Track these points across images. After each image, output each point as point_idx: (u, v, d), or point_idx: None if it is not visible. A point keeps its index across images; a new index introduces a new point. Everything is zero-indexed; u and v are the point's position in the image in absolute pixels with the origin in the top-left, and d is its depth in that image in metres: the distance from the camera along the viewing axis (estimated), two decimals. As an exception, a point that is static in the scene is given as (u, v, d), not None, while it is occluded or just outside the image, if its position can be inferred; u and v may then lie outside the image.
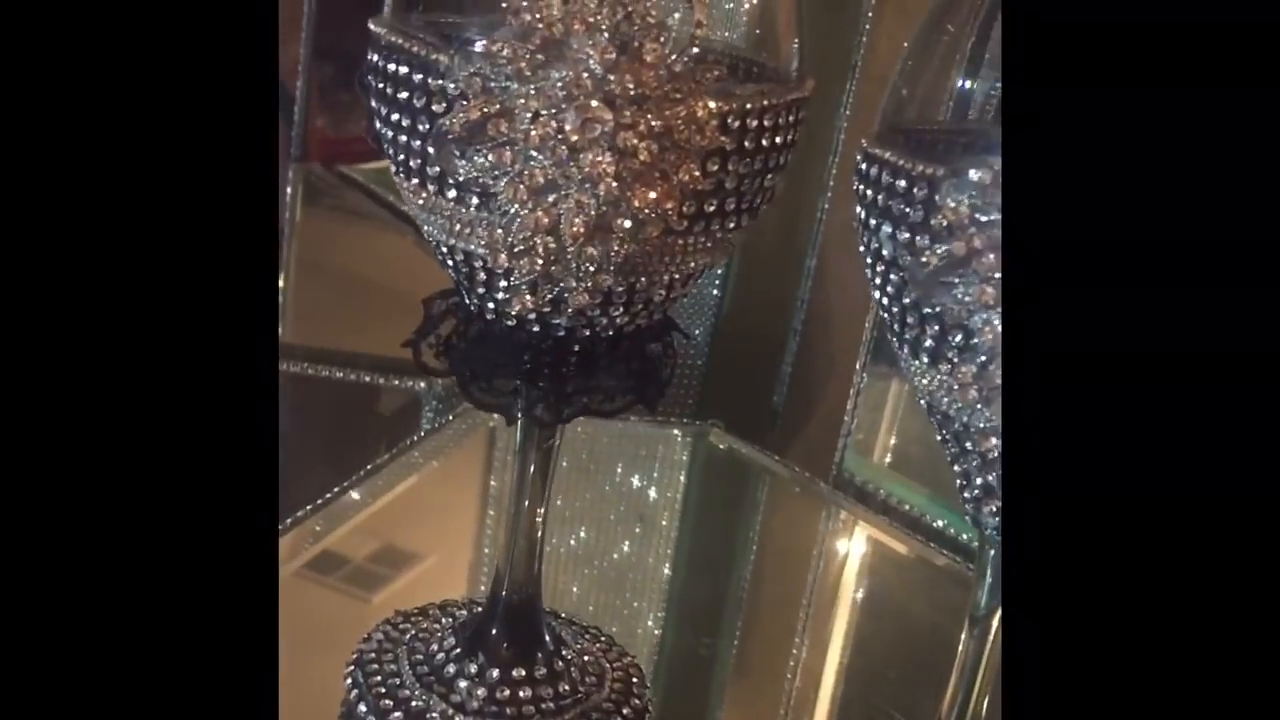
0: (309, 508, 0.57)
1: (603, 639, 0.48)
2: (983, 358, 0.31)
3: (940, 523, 0.65)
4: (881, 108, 0.35)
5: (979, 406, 0.31)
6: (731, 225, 0.37)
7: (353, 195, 0.85)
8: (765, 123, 0.36)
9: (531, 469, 0.43)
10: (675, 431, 0.74)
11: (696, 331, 0.79)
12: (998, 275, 0.29)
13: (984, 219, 0.29)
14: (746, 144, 0.35)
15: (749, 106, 0.35)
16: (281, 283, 0.79)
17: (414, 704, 0.42)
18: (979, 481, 0.36)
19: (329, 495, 0.58)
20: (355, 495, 0.59)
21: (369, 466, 0.61)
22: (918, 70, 0.34)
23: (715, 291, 0.79)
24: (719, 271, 0.78)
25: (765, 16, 0.39)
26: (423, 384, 0.72)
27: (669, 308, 0.40)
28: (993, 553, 0.38)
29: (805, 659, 0.57)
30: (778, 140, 0.36)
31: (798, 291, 0.76)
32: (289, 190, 0.83)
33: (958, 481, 0.37)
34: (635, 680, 0.46)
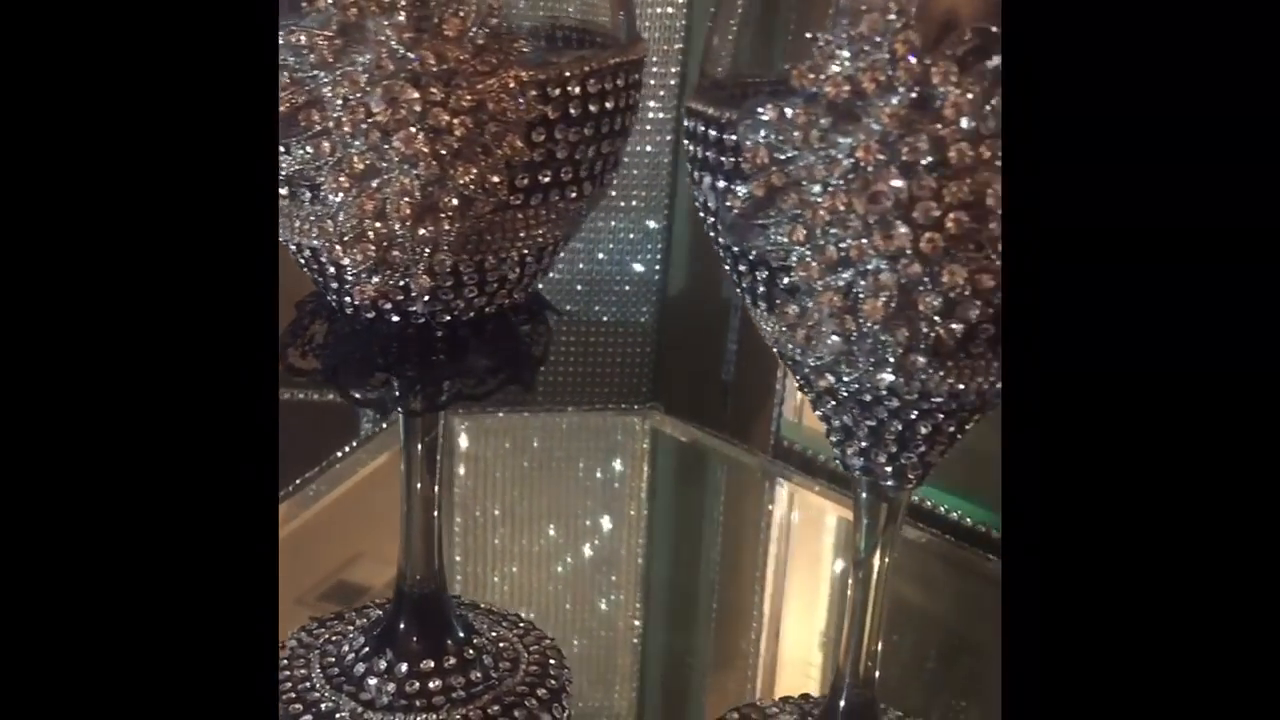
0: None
1: (521, 624, 0.48)
2: (806, 298, 0.30)
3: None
4: (700, 64, 0.35)
5: (810, 346, 0.31)
6: (573, 195, 0.37)
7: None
8: (590, 89, 0.36)
9: (419, 460, 0.43)
10: (633, 419, 0.74)
11: (642, 317, 0.80)
12: (804, 212, 0.29)
13: (782, 156, 0.29)
14: (572, 111, 0.35)
15: (568, 74, 0.35)
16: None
17: (323, 705, 0.42)
18: (835, 424, 0.36)
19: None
20: (282, 508, 0.59)
21: (297, 480, 0.61)
22: (723, 24, 0.34)
23: (656, 276, 0.79)
24: (659, 255, 0.78)
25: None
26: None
27: (532, 285, 0.40)
28: (864, 495, 0.37)
29: (766, 629, 0.57)
30: (608, 105, 0.36)
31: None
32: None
33: (823, 426, 0.37)
34: (553, 662, 0.46)
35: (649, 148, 0.76)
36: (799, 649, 0.56)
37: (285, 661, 0.45)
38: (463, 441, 0.71)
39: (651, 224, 0.78)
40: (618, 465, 0.73)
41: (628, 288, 0.80)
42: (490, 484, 0.70)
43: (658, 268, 0.79)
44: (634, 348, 0.80)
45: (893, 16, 0.27)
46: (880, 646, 0.40)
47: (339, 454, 0.65)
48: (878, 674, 0.40)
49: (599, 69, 0.36)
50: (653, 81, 0.73)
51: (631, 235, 0.78)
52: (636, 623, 0.58)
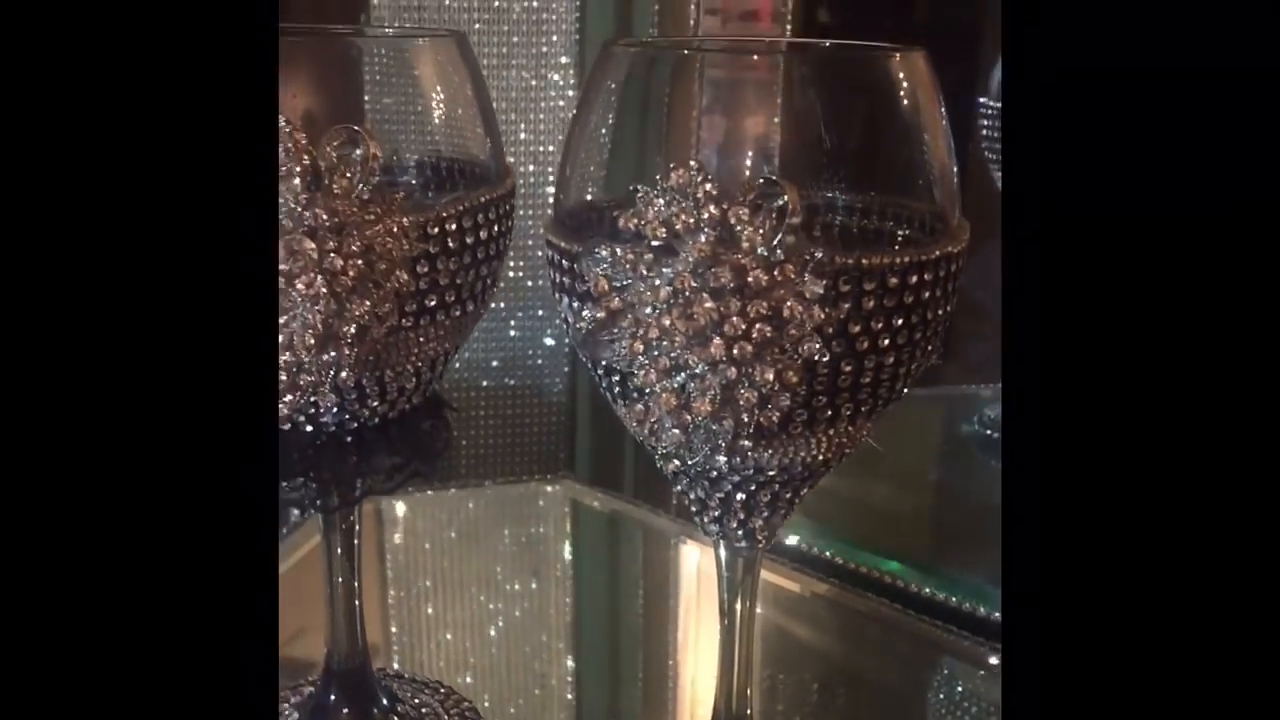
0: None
1: (442, 690, 0.53)
2: (648, 399, 0.36)
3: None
4: (554, 196, 0.41)
5: (655, 438, 0.37)
6: (458, 313, 0.43)
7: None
8: (465, 224, 0.42)
9: (338, 550, 0.48)
10: (548, 488, 0.80)
11: (556, 389, 0.86)
12: (639, 330, 0.35)
13: (618, 285, 0.35)
14: (450, 244, 0.41)
15: (444, 214, 0.41)
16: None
17: (264, 775, 0.47)
18: (691, 497, 0.42)
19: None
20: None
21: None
22: (572, 159, 0.40)
23: (565, 349, 0.85)
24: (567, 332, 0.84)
25: (455, 126, 0.45)
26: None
27: (428, 390, 0.46)
28: (724, 554, 0.43)
29: (684, 674, 0.63)
30: (482, 236, 0.42)
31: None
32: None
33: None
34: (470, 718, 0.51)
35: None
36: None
37: (229, 738, 0.50)
38: (399, 509, 0.76)
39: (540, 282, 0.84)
40: (540, 531, 0.78)
41: (540, 361, 0.85)
42: (421, 556, 0.75)
43: (566, 341, 0.85)
44: (548, 417, 0.85)
45: (696, 173, 0.34)
46: (750, 685, 0.46)
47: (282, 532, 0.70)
48: (750, 710, 0.46)
49: (472, 206, 0.42)
50: (550, 168, 0.80)
51: (540, 311, 0.84)
52: (569, 679, 0.63)
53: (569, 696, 0.61)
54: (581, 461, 0.84)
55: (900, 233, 0.40)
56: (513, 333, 0.85)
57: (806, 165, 0.39)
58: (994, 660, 0.59)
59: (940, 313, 0.38)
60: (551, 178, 0.80)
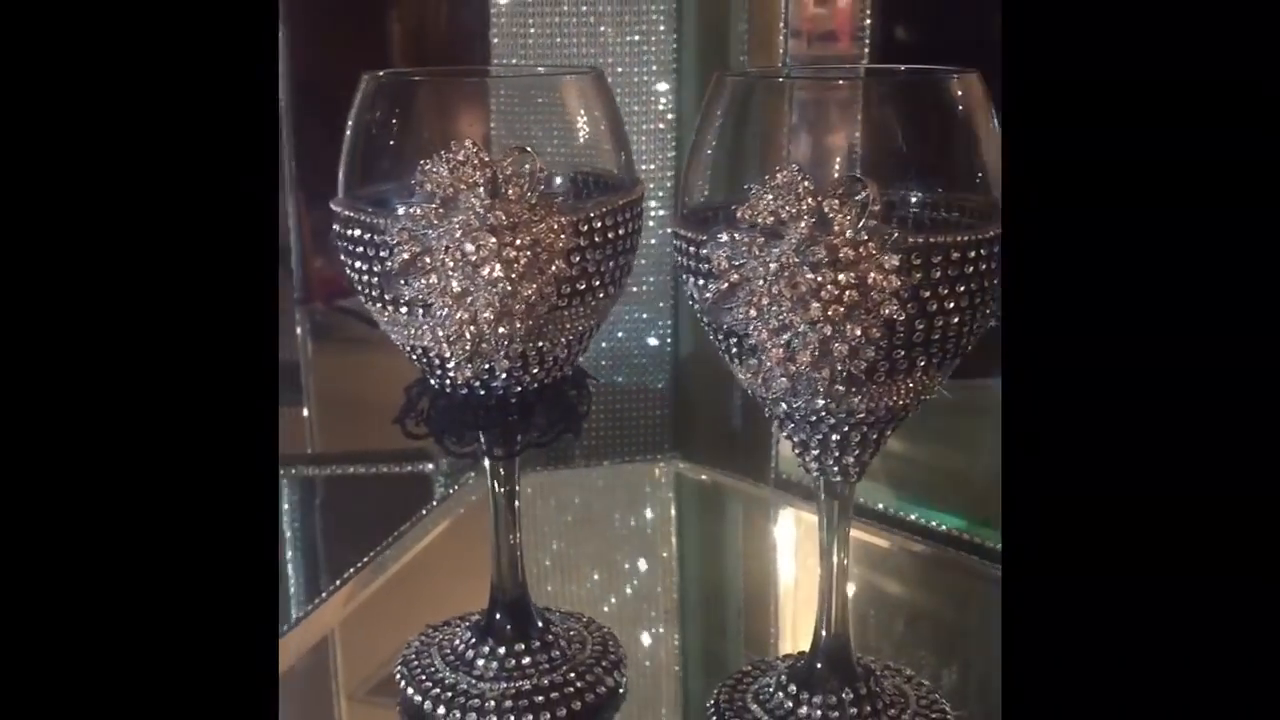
0: (354, 568, 0.72)
1: (584, 618, 0.63)
2: (760, 355, 0.46)
3: (862, 499, 0.80)
4: (680, 196, 0.51)
5: (766, 386, 0.47)
6: (601, 296, 0.53)
7: (352, 324, 1.02)
8: (608, 222, 0.52)
9: (501, 494, 0.58)
10: (657, 468, 0.90)
11: (659, 383, 0.96)
12: (753, 298, 0.45)
13: (736, 264, 0.45)
14: (596, 239, 0.51)
15: (592, 215, 0.51)
16: (305, 411, 0.95)
17: (446, 680, 0.58)
18: (795, 440, 0.51)
19: (369, 557, 0.74)
20: (389, 553, 0.75)
21: (394, 534, 0.77)
22: (695, 167, 0.50)
23: (669, 347, 0.95)
24: (669, 330, 0.95)
25: (595, 145, 0.55)
26: (430, 465, 0.89)
27: (575, 361, 0.56)
28: (823, 498, 0.53)
29: (785, 619, 0.72)
30: (620, 233, 0.53)
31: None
32: (298, 329, 0.99)
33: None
34: (611, 642, 0.61)
35: (653, 241, 0.93)
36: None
37: (413, 655, 0.60)
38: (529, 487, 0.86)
39: (661, 304, 0.94)
40: (648, 509, 0.88)
41: (644, 360, 0.95)
42: (551, 518, 0.85)
43: (669, 340, 0.95)
44: (653, 410, 0.95)
45: (796, 172, 0.44)
46: (846, 612, 0.55)
47: (424, 511, 0.81)
48: (846, 632, 0.55)
49: (613, 209, 0.52)
50: (653, 185, 0.90)
51: (644, 315, 0.94)
52: (676, 639, 0.72)
53: (686, 626, 0.70)
54: (684, 444, 0.94)
55: (961, 220, 0.49)
56: (620, 334, 0.95)
57: (883, 169, 0.48)
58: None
59: (994, 282, 0.47)
60: (653, 190, 0.90)
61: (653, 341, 0.94)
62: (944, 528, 0.77)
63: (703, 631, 0.71)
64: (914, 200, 0.49)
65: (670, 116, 0.90)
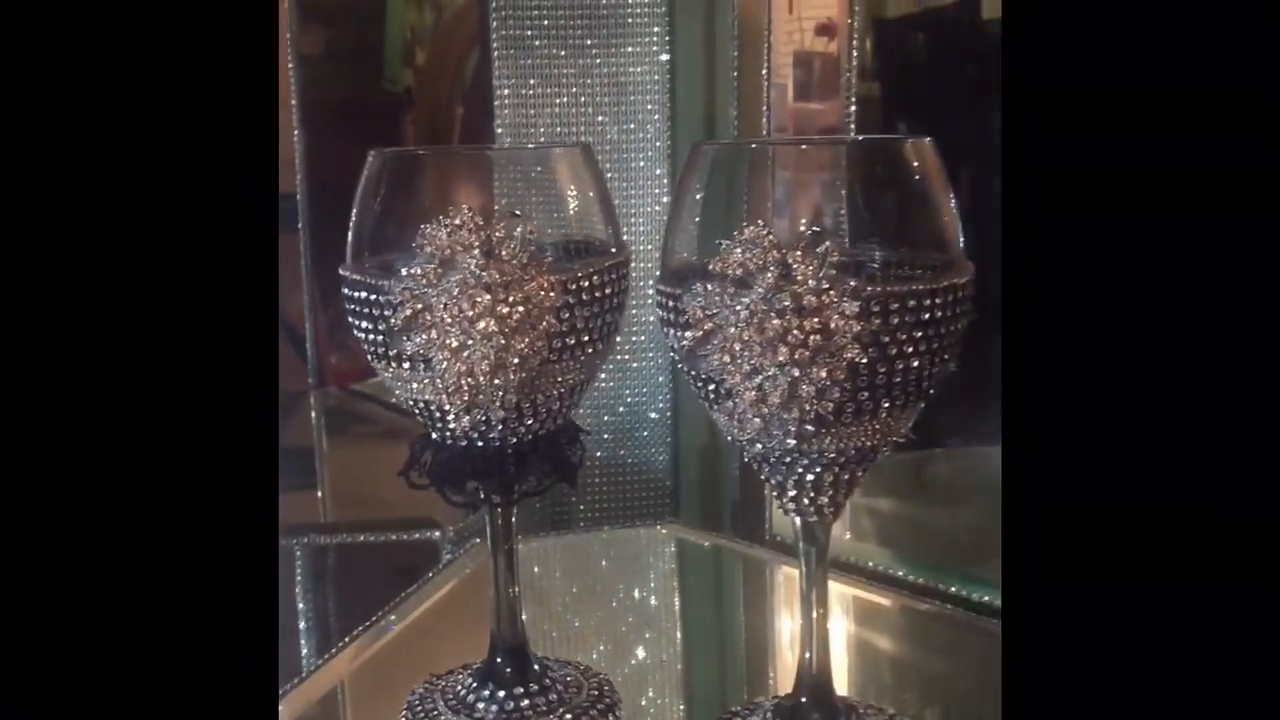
0: (362, 627, 0.76)
1: (581, 666, 0.66)
2: (734, 397, 0.50)
3: (853, 558, 0.83)
4: (661, 260, 0.55)
5: (741, 427, 0.50)
6: (590, 351, 0.57)
7: (364, 405, 1.06)
8: (595, 281, 0.56)
9: (500, 542, 0.61)
10: (658, 531, 0.94)
11: (660, 457, 0.99)
12: (726, 344, 0.49)
13: (710, 313, 0.49)
14: (584, 298, 0.56)
15: (580, 274, 0.55)
16: (319, 492, 0.99)
17: (447, 721, 0.61)
18: (772, 482, 0.55)
19: (378, 615, 0.77)
20: (393, 618, 0.78)
21: (402, 594, 0.80)
22: (673, 233, 0.54)
23: (669, 420, 0.99)
24: (669, 402, 0.98)
25: (584, 213, 0.59)
26: (438, 533, 0.92)
27: (568, 414, 0.60)
28: (802, 544, 0.56)
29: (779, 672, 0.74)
30: (608, 291, 0.57)
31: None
32: (313, 414, 1.03)
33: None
34: (606, 688, 0.64)
35: (652, 319, 0.97)
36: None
37: (418, 701, 0.63)
38: (535, 551, 0.89)
39: (660, 379, 0.98)
40: (649, 569, 0.91)
41: (645, 433, 0.99)
42: (554, 582, 0.88)
43: (669, 414, 0.99)
44: (654, 480, 0.99)
45: (762, 228, 0.48)
46: (827, 653, 0.57)
47: (430, 574, 0.84)
48: (828, 673, 0.58)
49: (600, 269, 0.56)
50: (650, 265, 0.94)
51: (645, 389, 0.98)
52: (680, 662, 0.73)
53: (679, 670, 0.73)
54: (685, 511, 0.97)
55: (923, 276, 0.53)
56: (621, 409, 0.98)
57: (848, 228, 0.52)
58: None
59: (950, 329, 0.51)
60: (650, 269, 0.94)
61: (653, 415, 0.98)
62: (926, 582, 0.80)
63: (698, 679, 0.73)
64: (877, 257, 0.53)
65: (665, 200, 0.94)
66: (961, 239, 0.53)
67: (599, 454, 0.97)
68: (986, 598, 0.77)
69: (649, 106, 0.93)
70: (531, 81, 0.90)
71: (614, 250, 0.59)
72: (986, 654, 0.73)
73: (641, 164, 0.93)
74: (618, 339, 0.60)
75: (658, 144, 0.94)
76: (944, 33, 0.82)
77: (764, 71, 0.86)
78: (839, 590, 0.80)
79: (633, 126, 0.93)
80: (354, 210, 0.58)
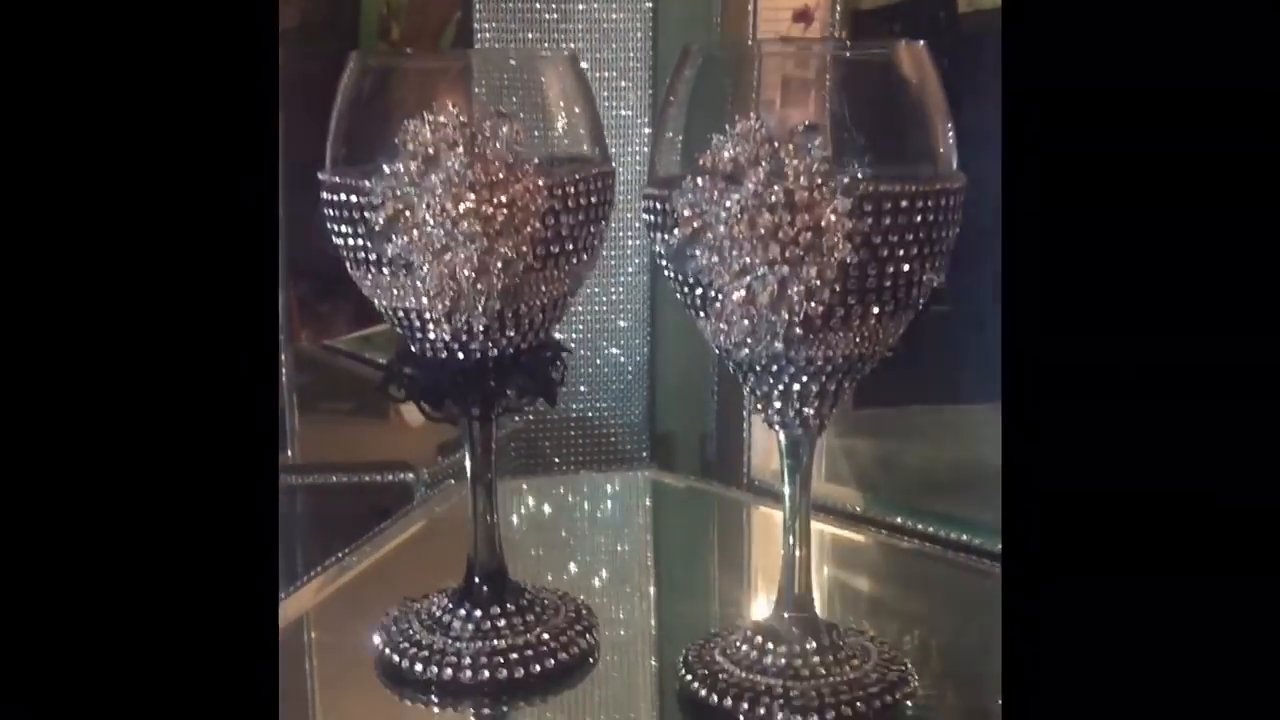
0: (334, 558, 0.74)
1: (559, 592, 0.65)
2: (722, 298, 0.49)
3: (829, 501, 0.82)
4: (648, 170, 0.54)
5: (729, 329, 0.49)
6: (575, 261, 0.56)
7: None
8: (580, 189, 0.55)
9: (480, 459, 0.60)
10: (636, 475, 0.93)
11: (636, 412, 0.99)
12: (715, 242, 0.48)
13: (700, 211, 0.48)
14: (570, 204, 0.55)
15: (564, 180, 0.54)
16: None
17: (422, 640, 0.59)
18: (757, 393, 0.54)
19: (348, 549, 0.76)
20: (368, 548, 0.77)
21: (377, 528, 0.79)
22: (661, 134, 0.53)
23: (646, 369, 0.98)
24: (645, 355, 0.98)
25: (571, 131, 0.58)
26: (411, 475, 0.91)
27: (551, 328, 0.59)
28: (786, 460, 0.55)
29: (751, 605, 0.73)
30: (593, 200, 0.56)
31: (708, 359, 0.95)
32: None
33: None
34: (585, 611, 0.63)
35: (630, 269, 0.96)
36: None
37: (392, 622, 0.62)
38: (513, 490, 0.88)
39: (623, 322, 0.97)
40: (627, 513, 0.90)
41: (622, 386, 0.98)
42: (525, 542, 0.87)
43: (646, 369, 0.98)
44: (631, 431, 0.98)
45: (754, 122, 0.47)
46: (809, 573, 0.57)
47: (404, 511, 0.83)
48: (811, 592, 0.57)
49: (586, 176, 0.55)
50: (633, 218, 0.93)
51: (617, 349, 0.97)
52: (651, 613, 0.73)
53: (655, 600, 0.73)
54: (662, 458, 0.96)
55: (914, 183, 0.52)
56: (599, 361, 0.98)
57: (840, 137, 0.51)
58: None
59: (940, 235, 0.50)
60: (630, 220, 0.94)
61: (630, 367, 0.97)
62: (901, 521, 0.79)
63: (677, 608, 0.73)
64: (867, 160, 0.52)
65: (646, 150, 0.93)
66: (955, 153, 0.52)
67: (575, 406, 0.97)
68: (965, 537, 0.77)
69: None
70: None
71: (599, 159, 0.58)
72: (963, 588, 0.73)
73: (623, 85, 0.92)
74: (601, 252, 0.59)
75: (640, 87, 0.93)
76: (919, 25, 0.84)
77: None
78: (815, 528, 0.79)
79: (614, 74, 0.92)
80: (333, 114, 0.57)
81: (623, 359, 0.97)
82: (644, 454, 0.97)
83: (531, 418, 0.95)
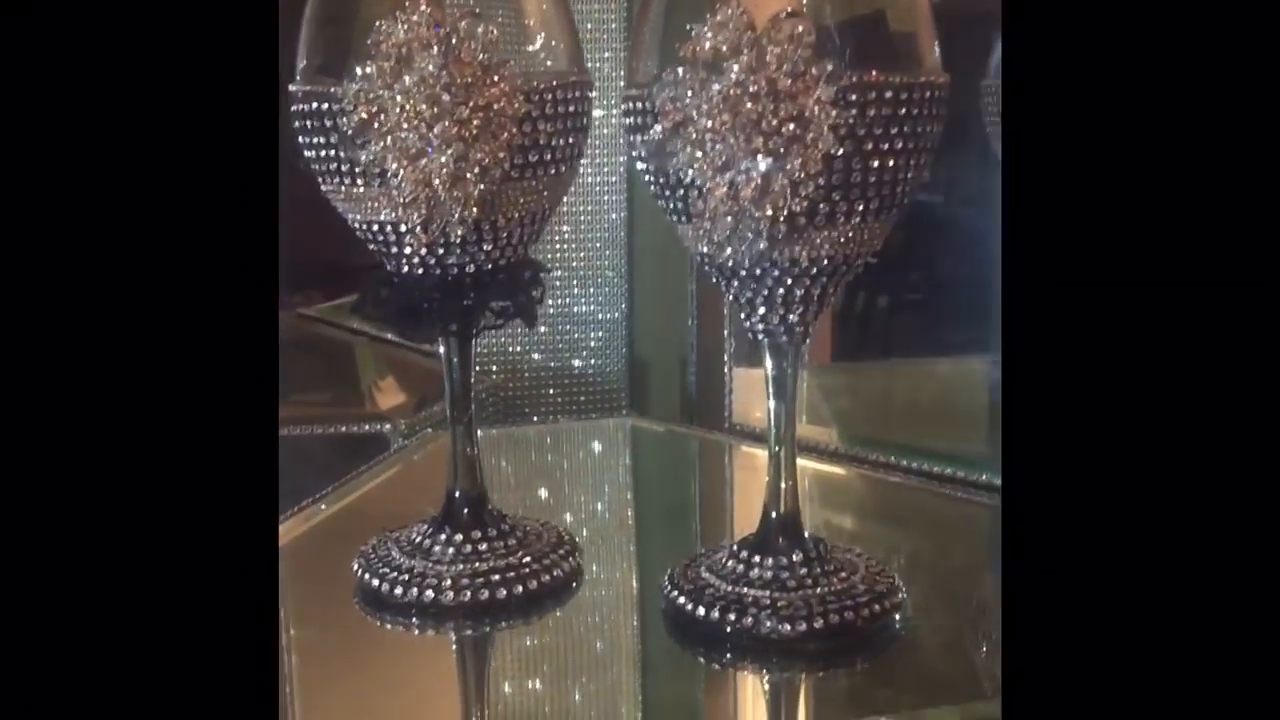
0: (309, 499, 0.73)
1: (540, 521, 0.64)
2: (705, 196, 0.48)
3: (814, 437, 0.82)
4: (625, 73, 0.53)
5: (712, 228, 0.48)
6: (553, 171, 0.55)
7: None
8: (559, 96, 0.54)
9: (458, 378, 0.59)
10: (617, 421, 0.92)
11: (617, 366, 0.98)
12: (696, 136, 0.47)
13: (681, 104, 0.47)
14: (548, 111, 0.53)
15: (541, 86, 0.53)
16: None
17: (402, 565, 0.58)
18: (741, 300, 0.53)
19: (326, 491, 0.74)
20: (344, 490, 0.75)
21: (351, 474, 0.78)
22: (638, 39, 0.52)
23: (623, 327, 0.97)
24: (624, 307, 0.97)
25: (549, 48, 0.57)
26: (389, 425, 0.90)
27: (529, 244, 0.58)
28: (772, 371, 0.54)
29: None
30: (571, 109, 0.55)
31: (686, 308, 0.94)
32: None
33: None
34: (566, 537, 0.62)
35: (612, 216, 0.95)
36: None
37: (371, 550, 0.61)
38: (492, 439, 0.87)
39: (610, 273, 0.96)
40: (607, 456, 0.89)
41: (603, 334, 0.97)
42: (505, 485, 0.86)
43: (624, 320, 0.97)
44: (610, 381, 0.97)
45: (736, 8, 0.46)
46: (795, 491, 0.56)
47: (381, 457, 0.82)
48: (798, 510, 0.56)
49: (562, 84, 0.54)
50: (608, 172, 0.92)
51: (597, 305, 0.97)
52: (632, 544, 0.72)
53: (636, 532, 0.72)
54: (641, 406, 0.96)
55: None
56: (578, 308, 0.96)
57: (824, 42, 0.50)
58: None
59: (925, 129, 0.49)
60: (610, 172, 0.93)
61: (608, 320, 0.96)
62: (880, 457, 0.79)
63: (660, 539, 0.72)
64: (851, 56, 0.51)
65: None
66: (937, 50, 0.52)
67: (553, 363, 0.96)
68: (949, 470, 0.76)
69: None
70: None
71: (578, 72, 0.57)
72: (948, 518, 0.72)
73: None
74: (580, 164, 0.58)
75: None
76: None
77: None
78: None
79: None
80: (302, 23, 0.55)
81: (601, 314, 0.96)
82: (623, 404, 0.96)
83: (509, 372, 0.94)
